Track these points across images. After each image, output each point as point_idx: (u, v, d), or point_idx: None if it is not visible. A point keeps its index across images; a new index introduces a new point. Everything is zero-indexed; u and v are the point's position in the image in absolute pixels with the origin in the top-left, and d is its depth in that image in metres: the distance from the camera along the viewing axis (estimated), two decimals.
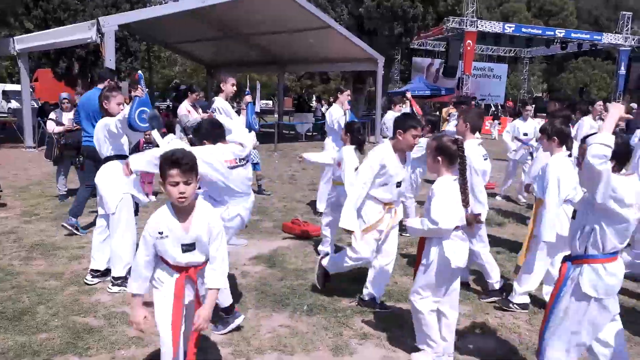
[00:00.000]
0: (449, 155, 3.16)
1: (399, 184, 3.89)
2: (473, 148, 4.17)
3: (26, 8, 18.91)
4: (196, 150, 3.09)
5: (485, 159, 4.32)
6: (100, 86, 6.40)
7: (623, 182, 2.51)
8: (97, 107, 5.35)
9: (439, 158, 3.18)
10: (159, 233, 2.58)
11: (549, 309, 2.75)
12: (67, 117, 8.05)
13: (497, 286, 4.42)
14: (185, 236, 2.60)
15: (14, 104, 23.67)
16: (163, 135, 3.90)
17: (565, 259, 2.77)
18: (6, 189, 8.61)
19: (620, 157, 2.60)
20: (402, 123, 3.76)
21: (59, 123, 7.96)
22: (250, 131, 6.34)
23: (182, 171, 2.50)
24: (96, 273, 4.57)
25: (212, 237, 2.66)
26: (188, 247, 2.63)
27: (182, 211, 2.60)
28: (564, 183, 3.81)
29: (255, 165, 9.06)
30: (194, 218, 2.62)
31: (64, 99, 8.28)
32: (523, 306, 4.19)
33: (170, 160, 2.51)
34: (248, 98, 6.03)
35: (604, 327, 2.71)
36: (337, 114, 7.13)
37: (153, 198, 7.83)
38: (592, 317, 2.63)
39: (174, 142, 3.88)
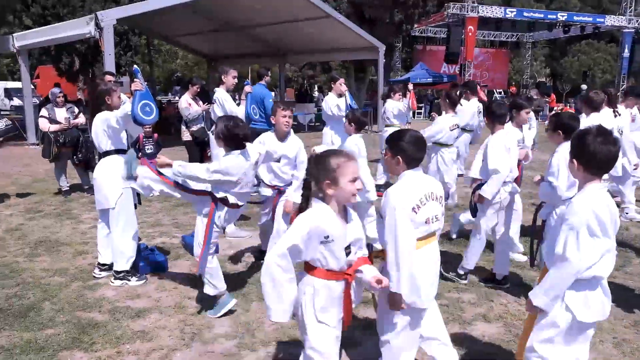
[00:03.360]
0: None
1: None
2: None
3: (25, 4, 18.82)
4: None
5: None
6: (263, 82, 7.32)
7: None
8: (260, 98, 6.54)
9: None
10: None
11: None
12: (62, 115, 7.80)
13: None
14: None
15: (16, 102, 23.70)
16: None
17: None
18: (10, 186, 8.66)
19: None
20: None
21: (52, 120, 7.76)
22: (249, 122, 6.33)
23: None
24: (103, 267, 4.59)
25: None
26: None
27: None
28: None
29: None
30: None
31: (60, 93, 8.10)
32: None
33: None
34: (247, 89, 6.00)
35: None
36: (333, 101, 7.09)
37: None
38: None
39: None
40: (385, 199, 2.56)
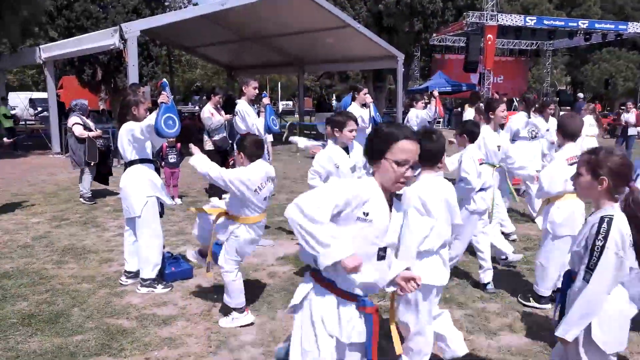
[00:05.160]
0: None
1: None
2: None
3: (50, 17, 19.28)
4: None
5: None
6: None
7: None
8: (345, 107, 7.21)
9: None
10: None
11: None
12: (90, 123, 8.31)
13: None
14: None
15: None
16: None
17: None
18: (36, 194, 8.83)
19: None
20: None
21: (86, 127, 8.12)
22: (270, 133, 6.37)
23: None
24: (130, 274, 4.66)
25: None
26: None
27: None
28: None
29: None
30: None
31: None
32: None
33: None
34: (265, 100, 6.03)
35: None
36: (356, 112, 6.99)
37: (178, 201, 7.93)
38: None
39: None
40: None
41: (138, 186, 4.50)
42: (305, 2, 14.55)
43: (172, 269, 4.73)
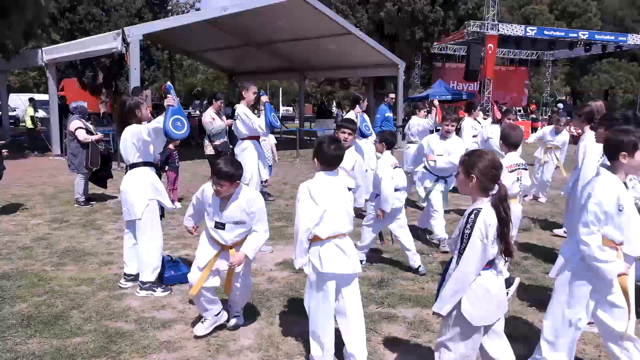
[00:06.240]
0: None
1: None
2: None
3: (53, 19, 19.35)
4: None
5: None
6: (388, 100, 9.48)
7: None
8: (382, 115, 8.83)
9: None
10: None
11: None
12: (91, 127, 8.28)
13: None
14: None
15: (41, 113, 24.27)
16: None
17: None
18: (36, 196, 8.84)
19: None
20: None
21: (88, 131, 8.07)
22: (272, 129, 6.49)
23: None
24: (129, 277, 4.66)
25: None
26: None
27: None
28: None
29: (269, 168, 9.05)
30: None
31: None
32: None
33: None
34: (264, 98, 6.13)
35: None
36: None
37: (178, 205, 7.93)
38: None
39: None
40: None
41: (140, 189, 4.52)
42: (306, 9, 14.63)
43: (172, 272, 4.74)
